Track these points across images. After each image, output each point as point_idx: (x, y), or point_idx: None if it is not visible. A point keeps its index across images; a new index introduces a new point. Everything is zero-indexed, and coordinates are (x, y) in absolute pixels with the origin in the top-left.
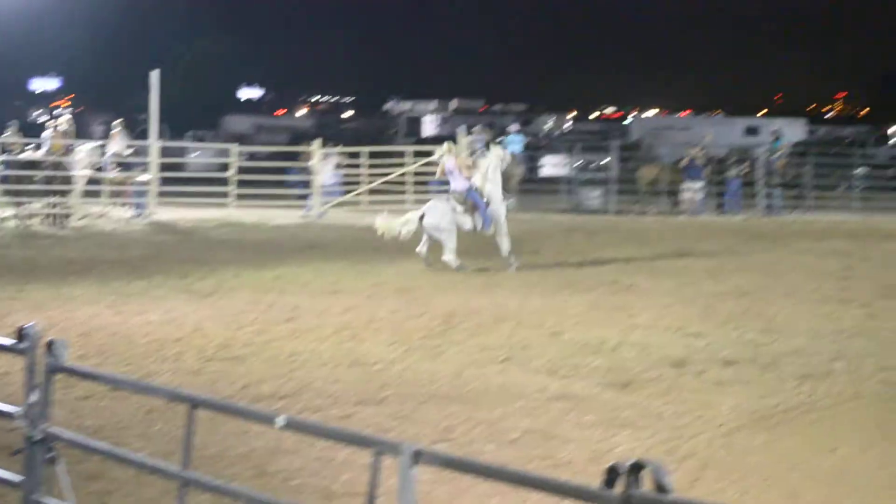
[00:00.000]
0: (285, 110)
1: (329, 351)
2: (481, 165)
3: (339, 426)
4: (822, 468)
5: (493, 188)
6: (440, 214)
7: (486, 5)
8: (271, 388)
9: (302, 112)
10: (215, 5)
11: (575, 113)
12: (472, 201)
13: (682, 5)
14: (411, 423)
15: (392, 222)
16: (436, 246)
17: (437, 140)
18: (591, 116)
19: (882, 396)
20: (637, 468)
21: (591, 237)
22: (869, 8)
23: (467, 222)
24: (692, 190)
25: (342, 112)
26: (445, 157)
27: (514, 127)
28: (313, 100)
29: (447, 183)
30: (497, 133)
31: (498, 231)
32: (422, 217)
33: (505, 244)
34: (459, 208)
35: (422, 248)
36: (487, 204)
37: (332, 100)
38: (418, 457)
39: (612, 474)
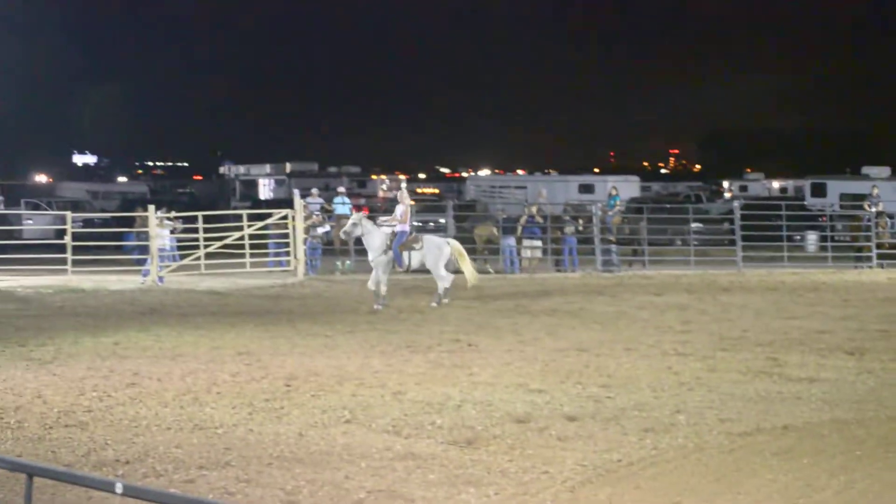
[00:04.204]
0: (120, 176)
1: (172, 415)
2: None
3: (183, 491)
4: None
5: None
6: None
7: (315, 69)
8: (115, 454)
9: (137, 178)
10: (47, 73)
11: (406, 176)
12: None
13: (505, 67)
14: (256, 485)
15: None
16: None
17: (272, 203)
18: (423, 176)
19: (724, 448)
20: None
21: (431, 296)
22: (694, 67)
23: None
24: (531, 248)
25: (177, 177)
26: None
27: (341, 189)
28: (148, 164)
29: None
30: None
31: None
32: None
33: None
34: None
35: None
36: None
37: (167, 164)
38: None
39: None
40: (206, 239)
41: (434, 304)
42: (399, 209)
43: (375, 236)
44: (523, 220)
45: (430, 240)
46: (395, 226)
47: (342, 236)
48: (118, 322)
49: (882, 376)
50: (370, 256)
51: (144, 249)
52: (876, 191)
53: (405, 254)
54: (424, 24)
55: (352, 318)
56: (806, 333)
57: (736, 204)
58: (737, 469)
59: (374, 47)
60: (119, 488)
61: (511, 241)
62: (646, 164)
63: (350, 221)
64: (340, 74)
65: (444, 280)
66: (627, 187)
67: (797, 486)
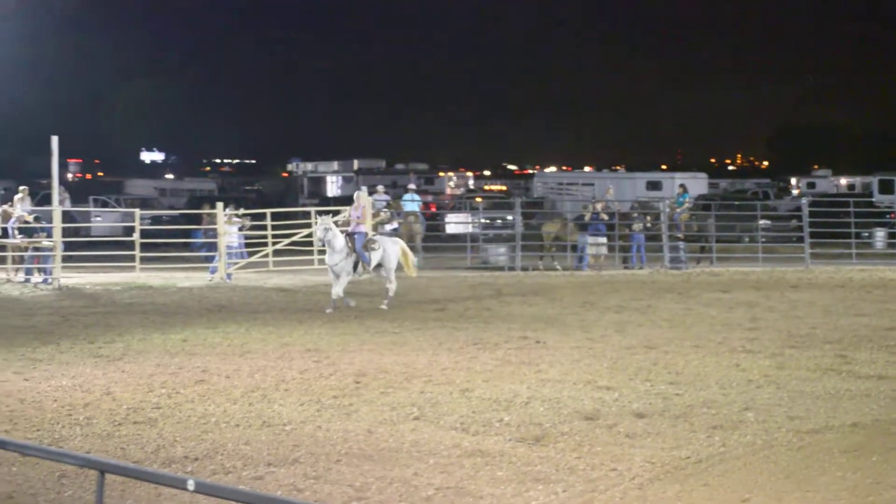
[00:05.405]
0: (187, 174)
1: (240, 412)
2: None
3: (252, 488)
4: None
5: None
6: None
7: (383, 67)
8: (183, 451)
9: (204, 175)
10: (114, 70)
11: (473, 173)
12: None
13: (573, 65)
14: (324, 482)
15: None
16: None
17: (340, 200)
18: (488, 173)
19: (793, 446)
20: None
21: (498, 293)
22: (762, 64)
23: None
24: (597, 245)
25: (245, 174)
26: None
27: (411, 186)
28: (216, 162)
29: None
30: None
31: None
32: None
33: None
34: None
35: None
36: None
37: (235, 162)
38: None
39: None
40: (274, 236)
41: (384, 307)
42: (355, 212)
43: (340, 239)
44: (587, 216)
45: (384, 240)
46: (351, 227)
47: (317, 243)
48: (186, 319)
49: None
50: (332, 260)
51: (212, 246)
52: None
53: (366, 254)
54: (493, 21)
55: (420, 315)
56: (874, 330)
57: (804, 201)
58: (806, 467)
59: (441, 45)
60: (191, 485)
61: (588, 237)
62: (713, 160)
63: (322, 227)
64: (409, 72)
65: (393, 282)
66: (695, 184)
67: (866, 483)
